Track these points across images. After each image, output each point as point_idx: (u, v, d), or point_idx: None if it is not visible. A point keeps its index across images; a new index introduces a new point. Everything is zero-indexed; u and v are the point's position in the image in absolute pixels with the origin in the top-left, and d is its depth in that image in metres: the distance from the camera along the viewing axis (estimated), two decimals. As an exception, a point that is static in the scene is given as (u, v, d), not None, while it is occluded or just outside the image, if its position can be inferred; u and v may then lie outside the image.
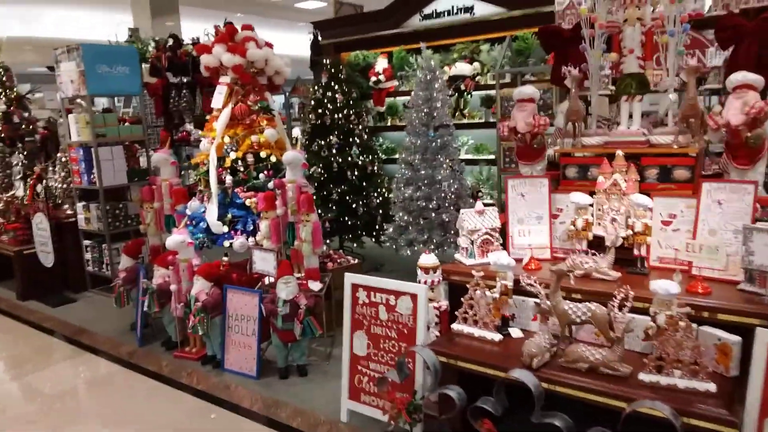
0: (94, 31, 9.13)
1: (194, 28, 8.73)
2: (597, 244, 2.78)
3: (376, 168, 5.70)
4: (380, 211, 5.60)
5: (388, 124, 7.53)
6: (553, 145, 3.46)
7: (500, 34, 6.64)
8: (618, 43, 3.03)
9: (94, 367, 4.09)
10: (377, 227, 5.65)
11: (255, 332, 3.61)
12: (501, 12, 6.38)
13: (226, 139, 4.20)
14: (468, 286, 2.70)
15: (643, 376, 2.17)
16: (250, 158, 4.13)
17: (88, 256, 5.52)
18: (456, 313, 2.76)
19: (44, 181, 5.83)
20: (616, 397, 2.14)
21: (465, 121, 6.62)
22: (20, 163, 6.26)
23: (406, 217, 4.94)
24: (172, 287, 3.87)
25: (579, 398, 2.23)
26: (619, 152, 2.84)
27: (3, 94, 7.42)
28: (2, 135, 7.28)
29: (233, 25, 4.34)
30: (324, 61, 5.79)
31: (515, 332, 2.66)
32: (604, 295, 2.50)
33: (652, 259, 2.75)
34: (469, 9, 6.66)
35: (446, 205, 4.84)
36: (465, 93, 6.67)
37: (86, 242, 5.51)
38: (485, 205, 3.10)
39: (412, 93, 5.01)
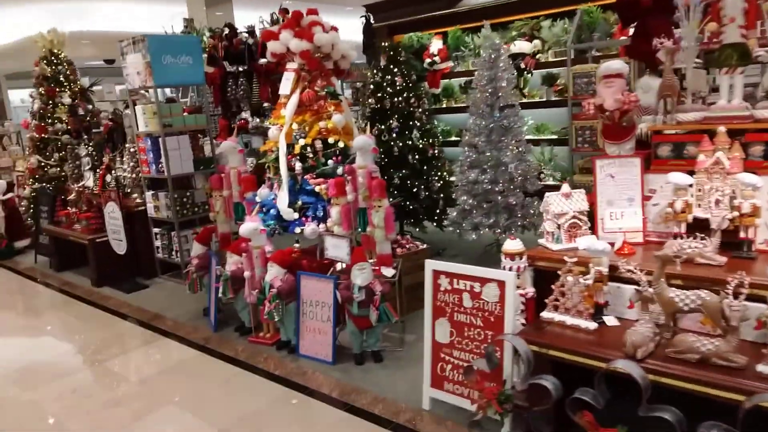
0: (149, 23, 9.29)
1: (244, 16, 8.78)
2: (695, 227, 2.63)
3: (436, 151, 5.60)
4: (441, 195, 5.51)
5: (443, 106, 7.39)
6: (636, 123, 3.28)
7: (561, 9, 6.39)
8: (717, 11, 2.82)
9: (172, 352, 4.19)
10: (438, 211, 5.57)
11: (330, 318, 3.62)
12: (564, -15, 6.13)
13: (295, 126, 4.19)
14: (559, 272, 2.60)
15: (762, 368, 2.04)
16: (318, 144, 4.11)
17: (157, 243, 5.67)
18: (545, 300, 2.67)
19: (113, 171, 6.00)
20: (732, 389, 2.01)
21: (525, 100, 6.42)
22: (88, 154, 6.46)
23: (470, 201, 4.84)
24: (246, 274, 3.91)
25: (688, 390, 2.11)
26: (721, 128, 2.66)
27: (68, 87, 7.70)
28: (69, 127, 7.56)
29: (299, 11, 4.29)
30: (381, 44, 5.70)
31: (610, 320, 2.54)
32: (708, 280, 2.36)
33: (758, 241, 2.58)
34: (529, -16, 6.44)
35: (512, 187, 4.71)
36: (525, 72, 6.46)
37: (155, 230, 5.66)
38: (550, 187, 2.97)
39: (476, 73, 4.86)
